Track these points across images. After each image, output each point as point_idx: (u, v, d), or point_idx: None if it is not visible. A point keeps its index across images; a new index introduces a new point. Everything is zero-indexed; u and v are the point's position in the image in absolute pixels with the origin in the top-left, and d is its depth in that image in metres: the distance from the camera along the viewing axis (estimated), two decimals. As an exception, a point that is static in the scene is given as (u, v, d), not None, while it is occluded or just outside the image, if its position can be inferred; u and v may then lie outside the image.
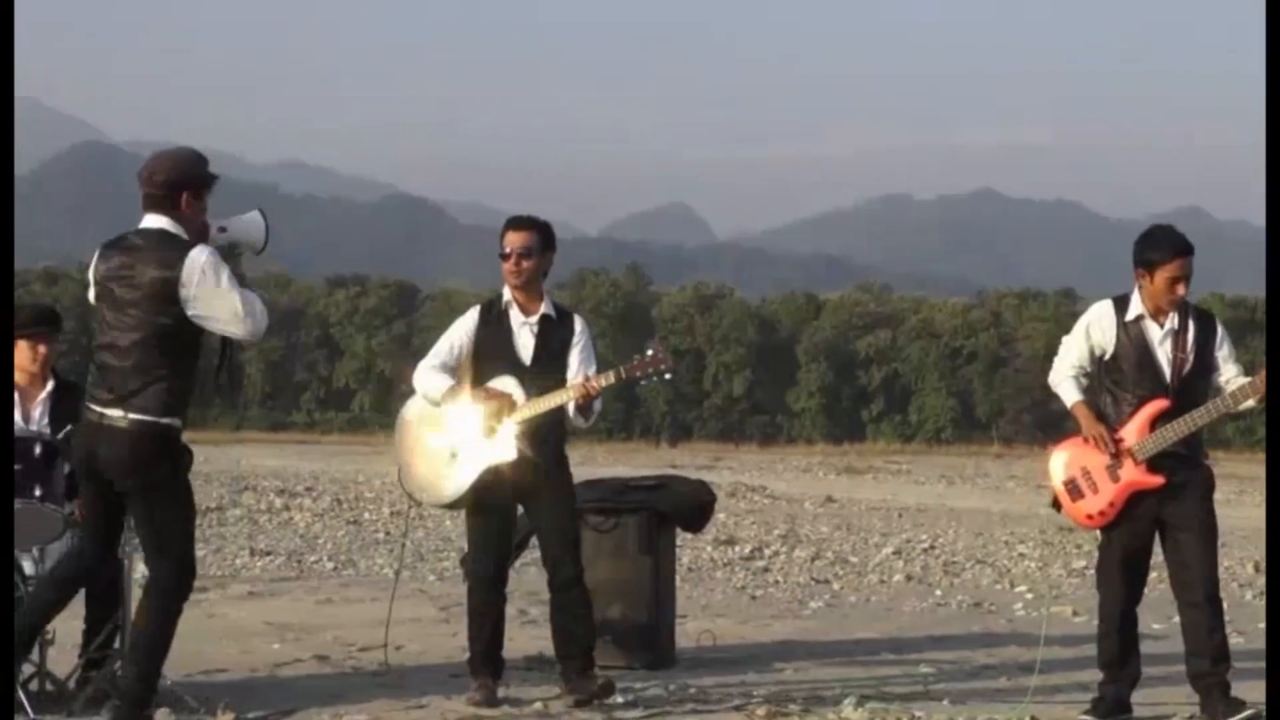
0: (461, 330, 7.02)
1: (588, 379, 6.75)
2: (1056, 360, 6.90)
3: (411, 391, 7.17)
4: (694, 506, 8.36)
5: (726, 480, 24.89)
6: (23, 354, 7.22)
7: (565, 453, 7.08)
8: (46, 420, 7.18)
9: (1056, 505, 6.90)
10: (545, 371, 6.86)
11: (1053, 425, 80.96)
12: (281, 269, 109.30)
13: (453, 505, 7.09)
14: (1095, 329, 6.74)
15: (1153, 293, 6.61)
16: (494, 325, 6.98)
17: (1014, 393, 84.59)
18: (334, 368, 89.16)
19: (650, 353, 6.86)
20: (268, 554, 14.38)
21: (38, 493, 6.63)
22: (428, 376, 6.98)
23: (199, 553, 14.02)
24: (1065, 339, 6.91)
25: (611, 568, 7.96)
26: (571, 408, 6.80)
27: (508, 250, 6.97)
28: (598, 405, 6.86)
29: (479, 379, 6.91)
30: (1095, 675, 6.89)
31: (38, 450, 6.69)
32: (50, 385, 7.30)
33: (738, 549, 14.85)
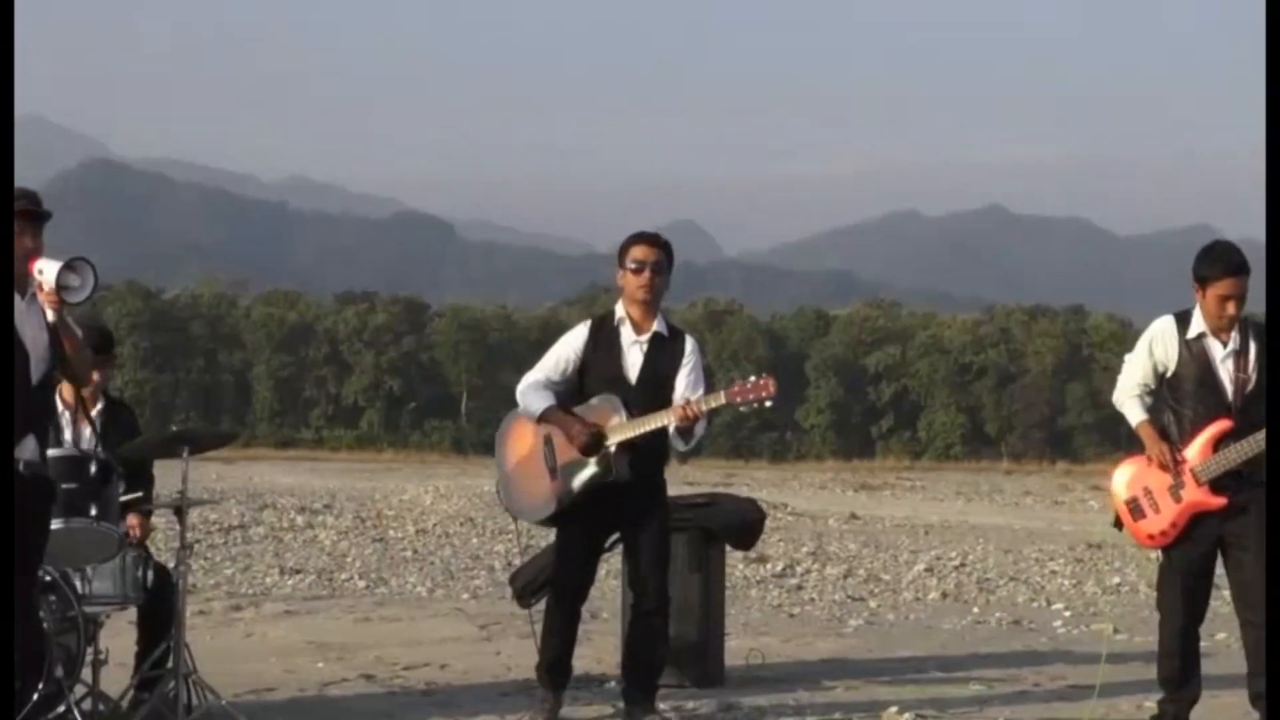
0: (569, 346, 6.92)
1: (689, 402, 6.59)
2: (1120, 378, 6.82)
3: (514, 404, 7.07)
4: (743, 524, 8.31)
5: (746, 498, 24.77)
6: None
7: (664, 478, 6.96)
8: (95, 440, 7.17)
9: (1118, 524, 6.84)
10: (651, 391, 6.72)
11: (1062, 442, 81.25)
12: (290, 285, 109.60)
13: (548, 522, 6.96)
14: (1157, 345, 6.67)
15: (1205, 310, 6.56)
16: (604, 342, 6.87)
17: (1023, 409, 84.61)
18: (343, 384, 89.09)
19: (754, 379, 6.68)
20: (297, 572, 14.35)
21: (93, 512, 6.56)
22: (531, 392, 6.88)
23: (227, 571, 14.14)
24: (1128, 356, 6.84)
25: (661, 586, 7.89)
26: (673, 430, 6.66)
27: (638, 264, 6.85)
28: (700, 429, 6.69)
29: (585, 396, 6.82)
30: (1142, 693, 6.85)
31: (93, 469, 6.63)
32: (100, 404, 7.31)
33: (769, 566, 14.81)
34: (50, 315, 5.78)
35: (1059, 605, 12.24)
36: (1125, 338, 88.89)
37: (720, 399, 6.62)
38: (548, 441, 6.79)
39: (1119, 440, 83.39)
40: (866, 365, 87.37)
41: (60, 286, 5.70)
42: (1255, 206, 7.06)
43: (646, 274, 6.83)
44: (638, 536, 6.85)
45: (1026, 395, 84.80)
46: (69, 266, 5.73)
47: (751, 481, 39.84)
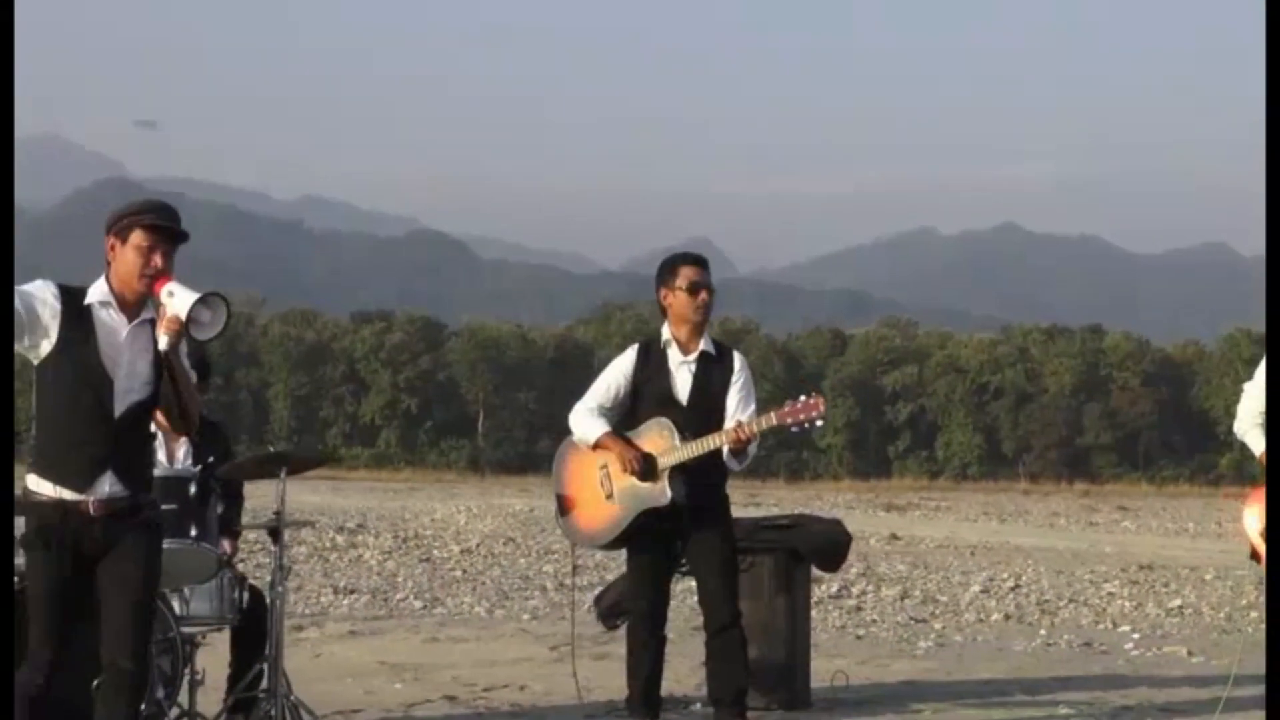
0: (619, 371, 6.92)
1: (740, 425, 6.58)
2: (1240, 408, 6.76)
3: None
4: (830, 545, 8.27)
5: (780, 518, 24.68)
6: None
7: (726, 494, 6.95)
8: (190, 460, 7.15)
9: (1255, 556, 6.73)
10: (702, 411, 6.72)
11: (1079, 461, 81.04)
12: (304, 303, 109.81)
13: (609, 547, 7.00)
14: None
15: None
16: (652, 365, 6.87)
17: (1040, 428, 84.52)
18: (360, 403, 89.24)
19: (804, 399, 6.69)
20: (351, 592, 14.31)
21: (193, 533, 6.54)
22: (584, 420, 6.87)
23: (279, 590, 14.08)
24: (1247, 386, 6.78)
25: (747, 608, 7.79)
26: (725, 451, 6.69)
27: (693, 284, 6.80)
28: (753, 449, 6.71)
29: (637, 420, 6.83)
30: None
31: (192, 490, 6.59)
32: (194, 424, 7.28)
33: (824, 587, 14.73)
34: (163, 343, 5.21)
35: (1125, 627, 12.16)
36: (1143, 357, 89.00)
37: (771, 420, 6.62)
38: (604, 468, 6.81)
39: (1136, 460, 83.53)
40: (883, 385, 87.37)
41: (190, 319, 5.14)
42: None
43: (703, 295, 6.82)
44: (702, 553, 6.81)
45: (1044, 415, 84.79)
46: (204, 301, 5.17)
47: (776, 502, 39.83)
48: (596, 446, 6.81)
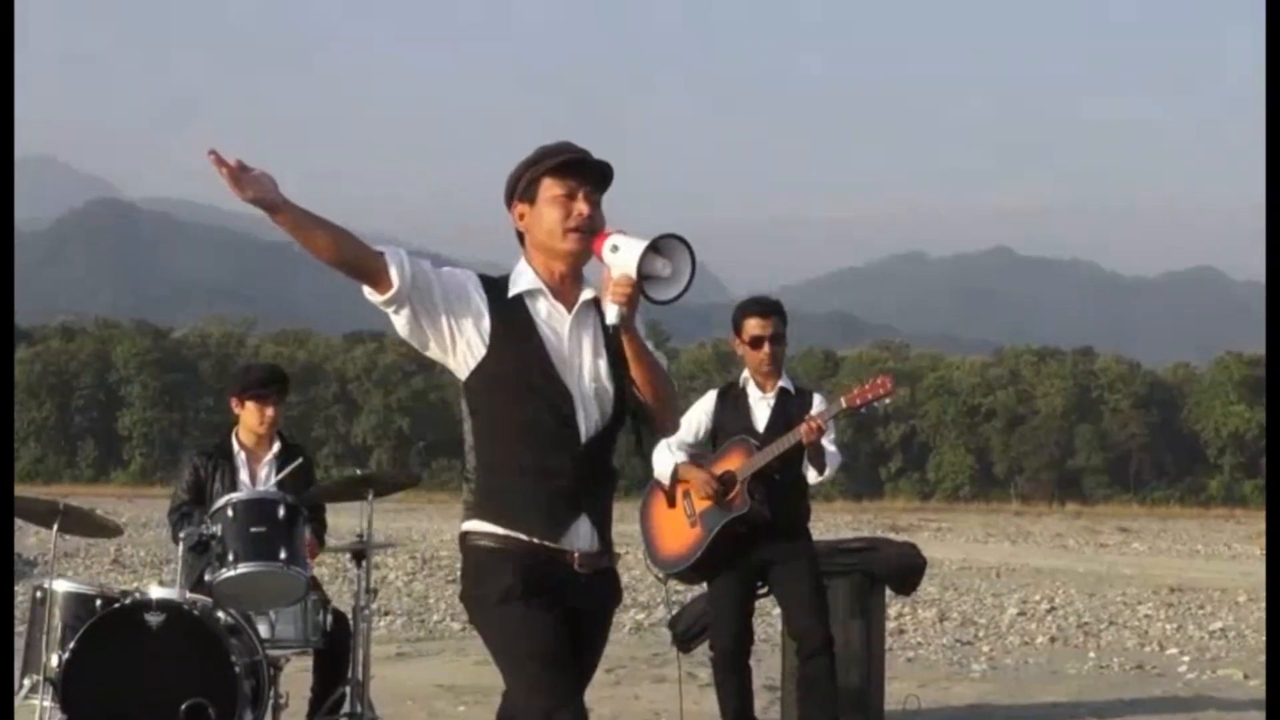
0: (700, 410, 7.00)
1: (809, 417, 6.56)
2: None
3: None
4: (906, 568, 8.24)
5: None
6: (250, 415, 7.20)
7: (807, 522, 6.96)
8: (273, 482, 7.12)
9: None
10: (778, 440, 6.69)
11: (1070, 483, 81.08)
12: (297, 324, 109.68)
13: (695, 571, 6.95)
14: None
15: None
16: (731, 403, 6.94)
17: (1032, 450, 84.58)
18: (352, 423, 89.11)
19: (872, 380, 6.72)
20: (385, 614, 14.25)
21: (283, 555, 6.49)
22: (662, 455, 6.92)
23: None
24: None
25: (822, 631, 7.80)
26: (806, 464, 6.70)
27: (756, 339, 6.85)
28: (833, 457, 6.73)
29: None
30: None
31: (281, 512, 6.56)
32: (276, 447, 7.27)
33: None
34: (612, 315, 3.77)
35: (1173, 650, 12.15)
36: (1134, 380, 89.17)
37: (840, 405, 6.66)
38: (686, 495, 6.86)
39: (1127, 482, 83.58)
40: (875, 406, 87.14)
41: (642, 276, 3.74)
42: (1261, 249, 7.09)
43: (766, 348, 6.86)
44: (788, 581, 6.81)
45: (1036, 437, 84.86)
46: (656, 248, 3.73)
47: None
48: (675, 478, 6.85)
